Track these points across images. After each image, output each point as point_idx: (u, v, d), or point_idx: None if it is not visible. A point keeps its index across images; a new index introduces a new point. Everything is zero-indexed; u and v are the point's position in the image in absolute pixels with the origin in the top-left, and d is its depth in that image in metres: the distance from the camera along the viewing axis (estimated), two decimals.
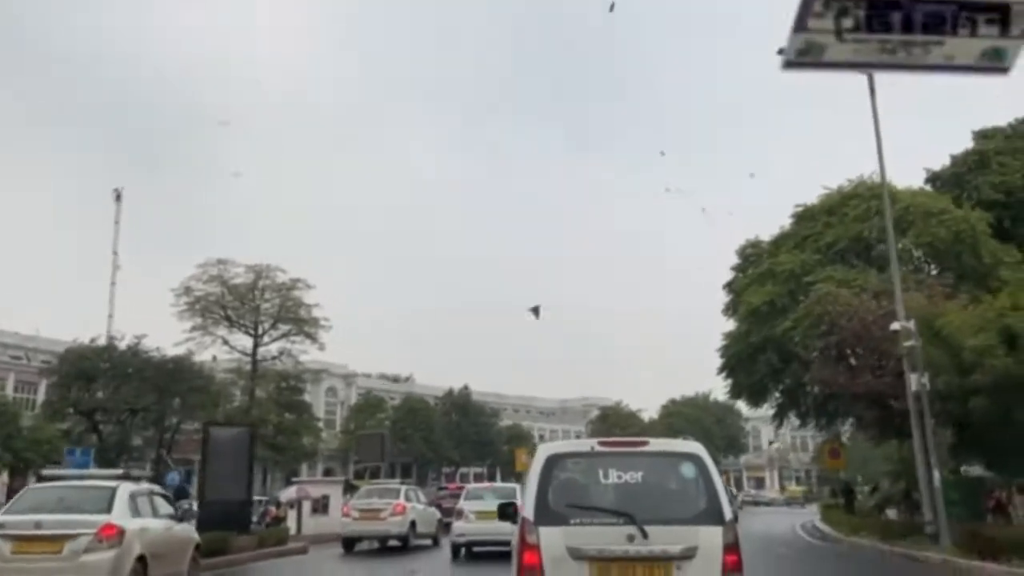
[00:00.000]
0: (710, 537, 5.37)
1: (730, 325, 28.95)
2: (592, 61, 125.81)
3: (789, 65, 1.74)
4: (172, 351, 45.02)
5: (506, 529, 15.58)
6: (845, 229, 24.16)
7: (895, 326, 15.83)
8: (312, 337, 49.14)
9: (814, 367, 21.18)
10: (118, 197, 63.10)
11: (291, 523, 21.42)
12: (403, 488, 19.12)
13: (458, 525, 16.58)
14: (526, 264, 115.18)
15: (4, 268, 74.48)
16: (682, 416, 62.73)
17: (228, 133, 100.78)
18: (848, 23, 1.63)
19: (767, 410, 30.65)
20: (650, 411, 66.50)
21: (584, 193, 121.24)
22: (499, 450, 63.64)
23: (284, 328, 49.15)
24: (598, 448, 5.95)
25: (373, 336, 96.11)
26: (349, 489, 22.01)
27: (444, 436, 59.97)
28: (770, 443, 70.88)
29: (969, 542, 13.45)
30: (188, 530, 11.31)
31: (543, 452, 6.03)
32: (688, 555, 5.31)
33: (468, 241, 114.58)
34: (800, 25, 1.65)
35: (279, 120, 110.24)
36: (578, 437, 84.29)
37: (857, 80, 18.00)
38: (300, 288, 48.51)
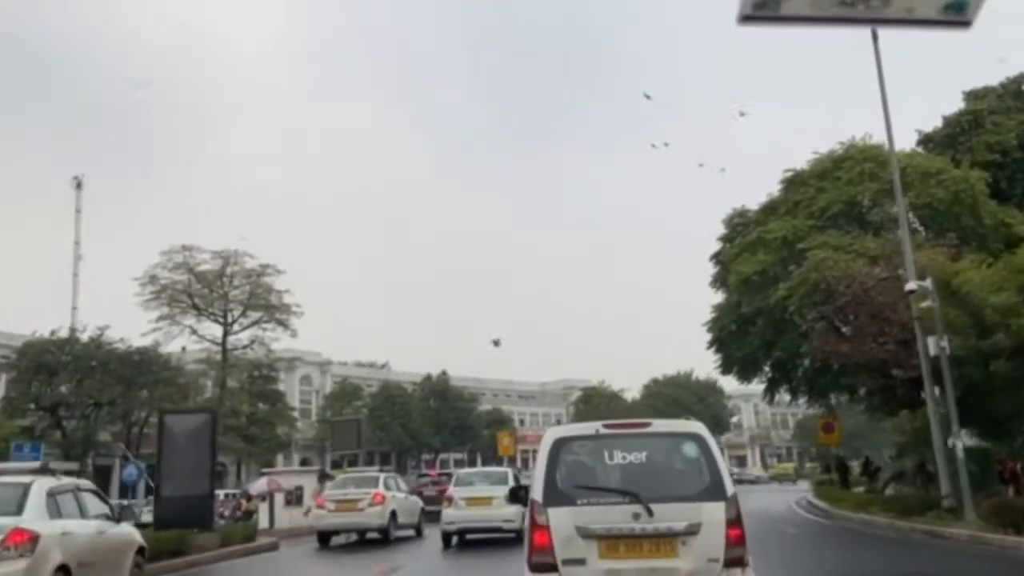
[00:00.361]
0: (713, 512, 5.51)
1: (718, 298, 28.05)
2: (554, 32, 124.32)
3: (746, 19, 1.65)
4: (139, 343, 43.47)
5: (499, 515, 15.29)
6: (838, 193, 23.13)
7: (910, 286, 14.76)
8: (284, 324, 47.62)
9: (812, 336, 20.20)
10: (78, 185, 60.40)
11: (263, 517, 20.07)
12: (382, 476, 17.68)
13: (448, 512, 15.82)
14: (500, 247, 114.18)
15: None
16: (664, 396, 61.97)
17: (199, 118, 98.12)
18: None
19: (757, 385, 29.72)
20: (632, 391, 65.63)
21: (558, 172, 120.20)
22: (479, 435, 62.52)
23: (255, 316, 47.54)
24: (603, 431, 6.05)
25: (347, 324, 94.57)
26: (324, 479, 20.67)
27: (423, 423, 58.72)
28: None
29: (995, 516, 12.48)
30: (127, 532, 10.01)
31: (550, 436, 6.18)
32: (692, 531, 5.47)
33: (441, 225, 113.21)
34: None
35: (247, 105, 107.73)
36: (558, 421, 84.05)
37: (835, 34, 16.78)
38: (270, 274, 46.91)
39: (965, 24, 1.72)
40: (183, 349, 48.86)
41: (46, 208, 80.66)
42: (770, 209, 25.62)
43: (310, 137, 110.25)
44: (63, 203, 58.85)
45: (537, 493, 5.73)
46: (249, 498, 21.22)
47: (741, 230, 26.93)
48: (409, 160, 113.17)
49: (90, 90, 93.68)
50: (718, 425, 69.70)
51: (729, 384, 75.01)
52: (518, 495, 8.83)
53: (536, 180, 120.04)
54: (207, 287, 45.59)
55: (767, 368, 26.70)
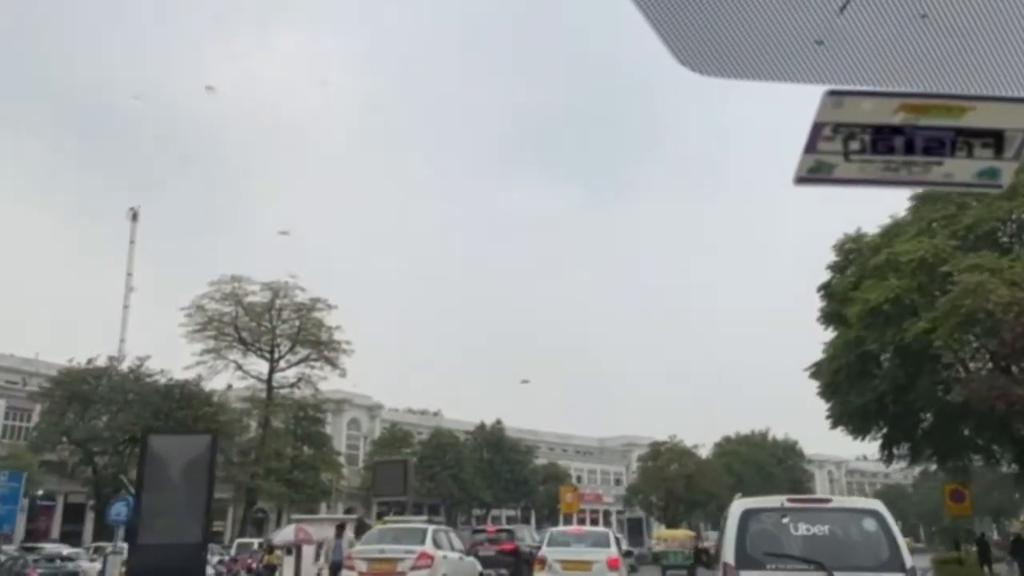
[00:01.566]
0: None
1: (826, 336, 24.09)
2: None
3: (800, 181, 1.85)
4: (182, 376, 41.21)
5: None
6: (988, 209, 19.21)
7: None
8: (332, 363, 44.89)
9: (970, 380, 16.23)
10: (134, 216, 59.53)
11: (287, 573, 16.72)
12: (430, 529, 13.41)
13: None
14: (557, 304, 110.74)
15: (7, 290, 71.28)
16: (739, 455, 56.89)
17: (255, 165, 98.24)
18: (855, 146, 1.78)
19: (870, 441, 25.36)
20: (704, 448, 60.60)
21: (626, 237, 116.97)
22: (535, 490, 58.27)
23: (303, 352, 44.99)
24: (787, 504, 6.93)
25: (400, 372, 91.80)
26: (363, 530, 17.24)
27: (475, 474, 54.84)
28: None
29: None
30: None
31: (739, 507, 6.93)
32: None
33: (500, 280, 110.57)
34: (811, 147, 1.79)
35: (304, 149, 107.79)
36: (617, 480, 79.95)
37: None
38: (320, 309, 44.45)
39: (997, 187, 1.88)
40: (229, 387, 46.45)
41: (109, 238, 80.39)
42: (894, 232, 21.78)
43: (368, 185, 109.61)
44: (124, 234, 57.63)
45: (729, 557, 6.45)
46: (271, 549, 17.70)
47: (855, 257, 23.13)
48: (468, 208, 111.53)
49: (159, 131, 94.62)
50: (796, 490, 64.04)
51: (810, 446, 69.73)
52: (700, 558, 12.16)
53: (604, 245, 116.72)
54: (255, 320, 43.30)
55: (881, 422, 22.49)
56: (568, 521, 54.31)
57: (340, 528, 15.94)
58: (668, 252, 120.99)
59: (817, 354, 23.82)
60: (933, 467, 34.62)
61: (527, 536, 21.63)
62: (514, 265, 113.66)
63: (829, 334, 23.59)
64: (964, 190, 2.67)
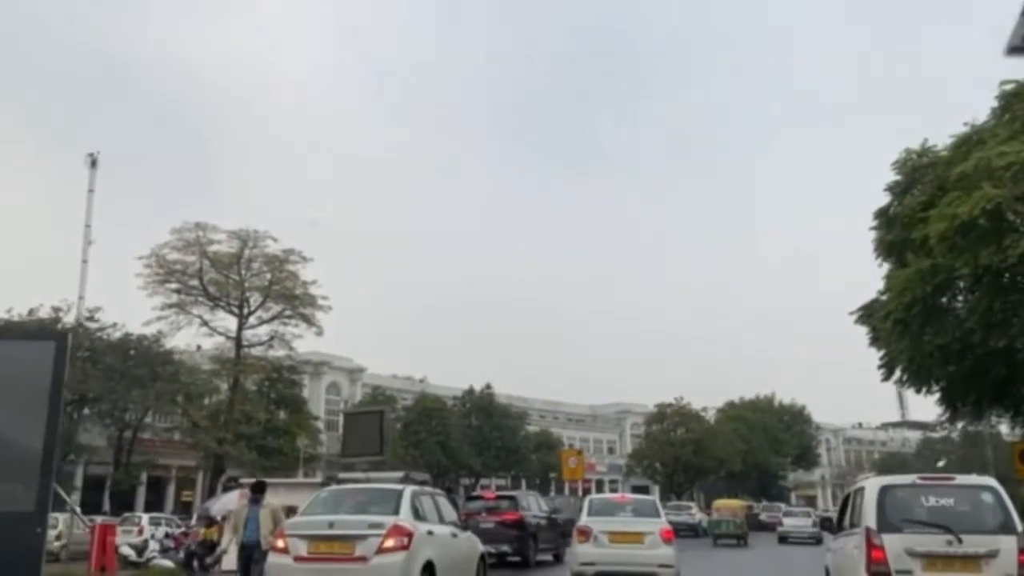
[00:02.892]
0: (1008, 543, 7.73)
1: (879, 272, 20.43)
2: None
3: (1013, 51, 1.78)
4: (142, 332, 37.16)
5: (654, 557, 12.41)
6: None
7: None
8: (308, 320, 40.68)
9: None
10: (93, 163, 54.90)
11: (231, 549, 12.92)
12: (407, 492, 9.26)
13: (585, 551, 12.39)
14: (546, 266, 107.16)
15: None
16: (747, 421, 53.54)
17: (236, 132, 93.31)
18: None
19: (926, 395, 21.77)
20: (710, 412, 57.05)
21: (613, 191, 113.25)
22: (526, 459, 54.82)
23: (275, 308, 40.78)
24: (918, 482, 8.65)
25: (385, 337, 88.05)
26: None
27: (463, 441, 51.25)
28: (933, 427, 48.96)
29: None
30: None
31: (876, 483, 8.70)
32: (992, 555, 7.69)
33: (492, 241, 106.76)
34: None
35: (296, 115, 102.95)
36: (610, 450, 76.85)
37: None
38: (295, 261, 40.19)
39: None
40: (198, 348, 42.53)
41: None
42: (975, 140, 17.96)
43: (357, 154, 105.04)
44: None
45: (871, 523, 8.07)
46: (211, 523, 13.67)
47: (923, 173, 19.37)
48: (463, 178, 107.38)
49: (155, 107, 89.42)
50: (803, 458, 60.94)
51: (817, 413, 66.40)
52: (824, 525, 13.66)
53: (588, 199, 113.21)
54: (222, 271, 39.12)
55: (951, 368, 18.74)
56: (560, 491, 51.41)
57: (257, 489, 10.47)
58: (661, 220, 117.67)
59: (840, 303, 20.14)
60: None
61: (533, 504, 17.93)
62: (504, 232, 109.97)
63: (879, 271, 19.98)
64: None
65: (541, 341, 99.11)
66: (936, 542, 7.76)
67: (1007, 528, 7.80)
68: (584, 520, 12.96)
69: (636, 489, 50.10)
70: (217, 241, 38.77)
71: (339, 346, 54.83)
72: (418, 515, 9.11)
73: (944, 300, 17.70)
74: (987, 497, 8.23)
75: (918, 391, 21.02)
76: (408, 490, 9.38)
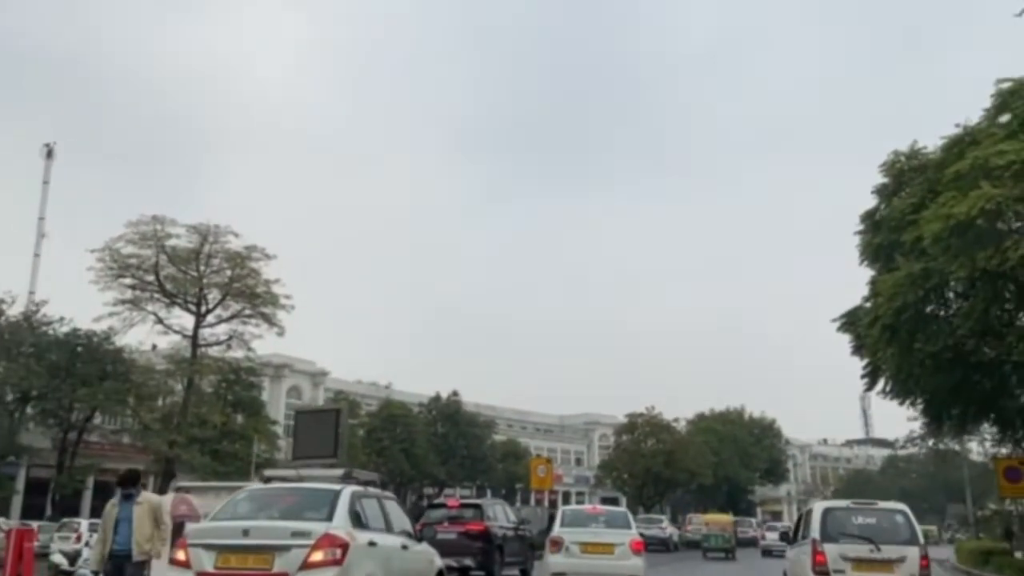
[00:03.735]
0: (913, 551, 10.49)
1: (864, 277, 19.73)
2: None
3: None
4: (93, 328, 35.34)
5: (623, 568, 13.34)
6: None
7: None
8: (269, 320, 39.07)
9: None
10: (49, 153, 53.10)
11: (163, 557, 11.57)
12: (345, 494, 7.64)
13: (556, 561, 13.02)
14: (518, 276, 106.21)
15: None
16: (717, 433, 52.72)
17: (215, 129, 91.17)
18: None
19: (908, 407, 21.02)
20: (680, 424, 56.15)
21: (583, 204, 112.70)
22: (492, 468, 53.47)
23: (235, 306, 39.19)
24: (851, 505, 11.57)
25: (351, 342, 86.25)
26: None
27: (428, 449, 49.79)
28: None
29: None
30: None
31: (820, 506, 11.69)
32: (902, 560, 10.42)
33: (464, 250, 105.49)
34: None
35: (266, 120, 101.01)
36: (578, 461, 75.64)
37: None
38: (257, 258, 38.62)
39: None
40: (154, 347, 40.77)
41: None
42: (967, 141, 17.24)
43: (328, 160, 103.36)
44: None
45: (816, 534, 10.77)
46: None
47: (912, 176, 18.69)
48: (434, 187, 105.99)
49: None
50: (773, 472, 60.27)
51: (784, 428, 65.76)
52: (787, 536, 16.58)
53: (559, 211, 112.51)
54: (180, 267, 37.48)
55: (942, 378, 17.93)
56: (526, 501, 50.11)
57: (127, 481, 8.55)
58: (631, 236, 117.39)
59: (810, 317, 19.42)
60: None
61: (500, 514, 16.66)
62: (476, 241, 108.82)
63: (855, 280, 19.20)
64: None
65: (511, 350, 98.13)
66: (862, 550, 10.58)
67: (913, 541, 10.70)
68: (557, 530, 13.47)
69: (605, 500, 48.96)
70: (175, 235, 37.20)
71: (303, 350, 53.35)
72: (359, 522, 7.49)
73: (935, 306, 16.93)
74: (899, 518, 11.09)
75: (902, 403, 20.28)
76: (347, 491, 7.67)
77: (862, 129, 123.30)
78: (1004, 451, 36.65)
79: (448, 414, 53.36)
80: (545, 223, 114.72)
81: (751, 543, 38.87)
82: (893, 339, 16.89)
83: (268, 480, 9.28)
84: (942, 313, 16.59)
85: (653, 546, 29.75)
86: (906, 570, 10.39)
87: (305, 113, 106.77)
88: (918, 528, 10.95)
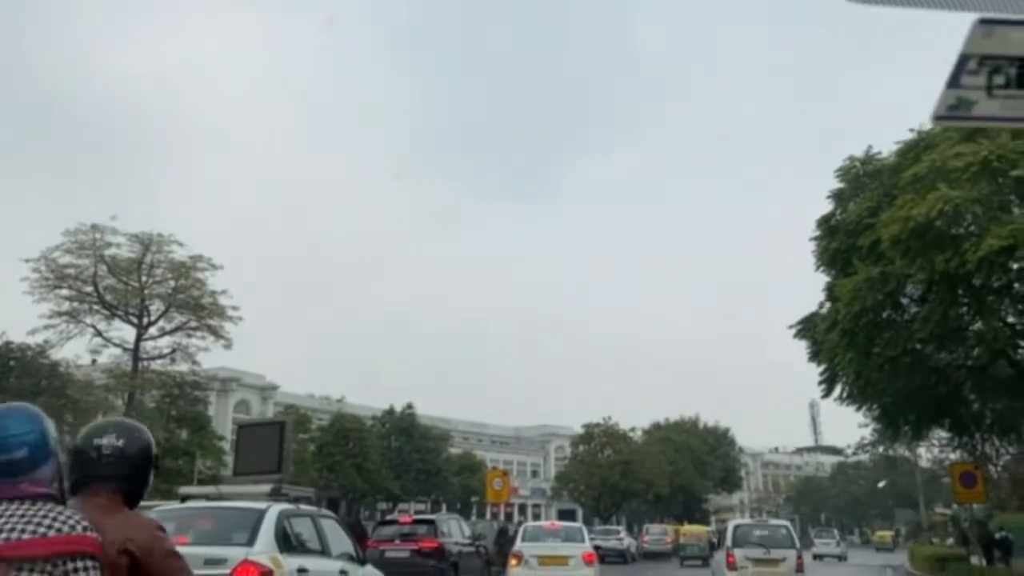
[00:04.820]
0: (792, 553, 15.48)
1: (819, 284, 19.64)
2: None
3: (939, 119, 1.82)
4: (27, 342, 33.72)
5: None
6: None
7: None
8: (215, 332, 37.85)
9: None
10: None
11: None
12: (271, 513, 6.73)
13: (516, 573, 14.21)
14: (472, 289, 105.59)
15: None
16: (673, 442, 52.68)
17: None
18: (999, 80, 1.72)
19: (865, 413, 21.01)
20: (636, 433, 55.88)
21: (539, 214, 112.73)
22: (448, 482, 52.56)
23: (179, 318, 37.90)
24: (753, 522, 19.98)
25: (301, 357, 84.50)
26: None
27: (382, 464, 48.70)
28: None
29: None
30: None
31: (733, 523, 18.19)
32: (784, 559, 15.26)
33: (418, 264, 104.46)
34: (954, 82, 1.73)
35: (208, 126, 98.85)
36: (534, 473, 75.05)
37: None
38: (203, 268, 37.43)
39: None
40: (93, 362, 39.13)
41: None
42: (923, 145, 17.24)
43: (278, 176, 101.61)
44: None
45: (729, 543, 15.88)
46: None
47: (868, 181, 18.66)
48: (385, 201, 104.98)
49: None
50: (727, 481, 60.48)
51: (741, 436, 66.26)
52: (713, 545, 28.10)
53: (514, 224, 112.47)
54: (120, 277, 36.08)
55: (901, 383, 17.82)
56: (482, 515, 49.30)
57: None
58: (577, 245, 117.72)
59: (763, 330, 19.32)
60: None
61: (455, 529, 16.02)
62: (429, 255, 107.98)
63: (812, 287, 19.17)
64: None
65: (466, 362, 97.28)
66: (759, 552, 15.49)
67: (792, 546, 15.83)
68: (518, 545, 14.91)
69: (563, 513, 48.49)
70: (115, 244, 35.87)
71: (252, 363, 51.96)
72: (288, 546, 6.57)
73: (891, 312, 16.83)
74: (783, 531, 16.53)
75: (859, 408, 20.20)
76: (273, 511, 6.71)
77: (812, 138, 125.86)
78: (953, 456, 37.25)
79: (402, 427, 52.35)
80: (497, 235, 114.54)
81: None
82: (851, 344, 16.72)
83: (184, 499, 8.32)
84: (900, 318, 16.45)
85: (611, 558, 29.27)
86: (787, 565, 15.43)
87: (252, 126, 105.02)
88: (796, 536, 16.65)
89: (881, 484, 60.11)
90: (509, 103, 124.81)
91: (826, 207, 19.68)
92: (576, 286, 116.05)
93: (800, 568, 15.26)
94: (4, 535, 1.88)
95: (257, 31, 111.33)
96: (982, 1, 1.63)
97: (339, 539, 7.93)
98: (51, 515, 1.96)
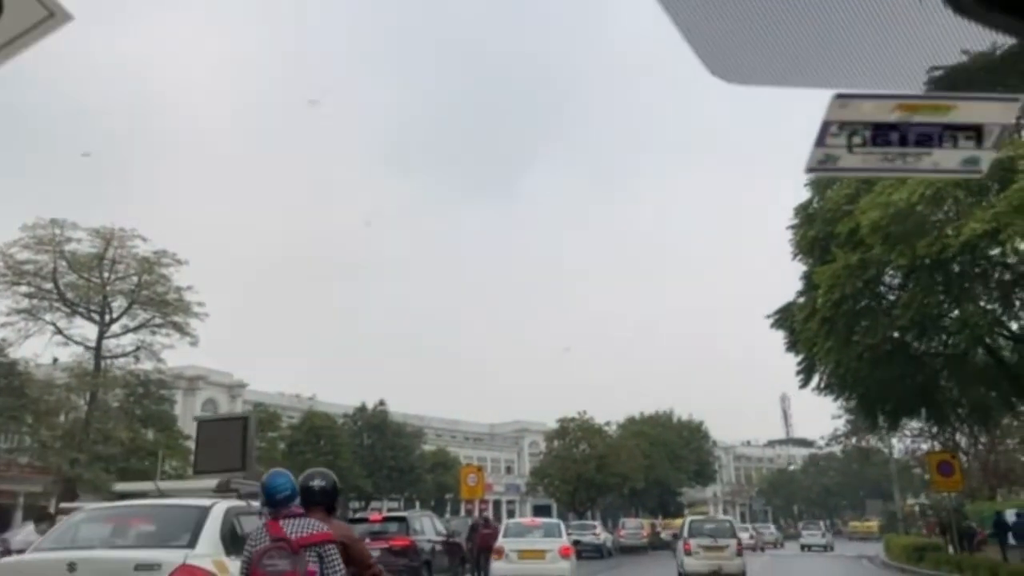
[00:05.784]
0: (732, 542, 20.09)
1: (795, 272, 19.41)
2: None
3: (811, 170, 2.06)
4: None
5: (553, 570, 15.80)
6: None
7: None
8: (181, 329, 36.98)
9: None
10: None
11: None
12: (217, 511, 6.37)
13: (498, 567, 15.26)
14: (445, 284, 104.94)
15: None
16: (648, 436, 52.56)
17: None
18: (857, 140, 1.98)
19: (843, 404, 20.84)
20: (612, 427, 55.57)
21: (511, 213, 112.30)
22: (421, 479, 51.96)
23: (143, 315, 36.96)
24: (704, 519, 23.98)
25: (272, 355, 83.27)
26: (45, 521, 10.04)
27: (354, 462, 47.97)
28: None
29: None
30: None
31: (689, 518, 23.85)
32: (727, 546, 19.86)
33: (390, 259, 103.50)
34: (820, 142, 1.99)
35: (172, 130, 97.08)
36: (508, 469, 74.62)
37: None
38: (167, 264, 36.52)
39: (978, 173, 2.09)
40: (55, 361, 37.96)
41: None
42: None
43: (248, 171, 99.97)
44: None
45: (686, 533, 20.78)
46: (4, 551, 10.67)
47: None
48: (357, 196, 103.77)
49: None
50: (702, 474, 60.57)
51: (713, 430, 66.42)
52: (676, 536, 25.85)
53: (486, 221, 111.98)
54: (82, 273, 35.03)
55: (882, 371, 17.59)
56: (456, 512, 48.77)
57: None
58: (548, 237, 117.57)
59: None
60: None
61: (427, 527, 15.57)
62: (401, 249, 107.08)
63: (795, 274, 18.92)
64: (950, 176, 2.73)
65: (439, 359, 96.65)
66: (708, 541, 19.69)
67: (734, 536, 20.57)
68: (500, 541, 15.85)
69: (538, 509, 48.09)
70: (76, 240, 34.88)
71: (221, 361, 50.92)
72: (237, 547, 5.68)
73: (870, 300, 16.62)
74: (727, 524, 21.87)
75: (836, 398, 20.03)
76: (219, 508, 6.21)
77: (787, 135, 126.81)
78: (925, 447, 37.42)
79: (374, 424, 51.64)
80: (468, 230, 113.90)
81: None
82: (831, 332, 16.49)
83: (121, 496, 7.62)
84: (879, 305, 16.24)
85: (588, 552, 28.95)
86: (729, 550, 19.65)
87: (220, 126, 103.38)
88: (737, 529, 22.09)
89: (856, 466, 60.62)
90: (476, 102, 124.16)
91: (803, 195, 19.42)
92: (548, 282, 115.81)
93: (740, 552, 19.89)
94: (295, 533, 3.69)
95: (222, 30, 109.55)
96: (837, 81, 1.94)
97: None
98: (309, 523, 3.83)
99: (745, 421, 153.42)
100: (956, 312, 14.94)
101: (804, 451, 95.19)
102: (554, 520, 19.83)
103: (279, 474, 4.04)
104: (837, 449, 62.91)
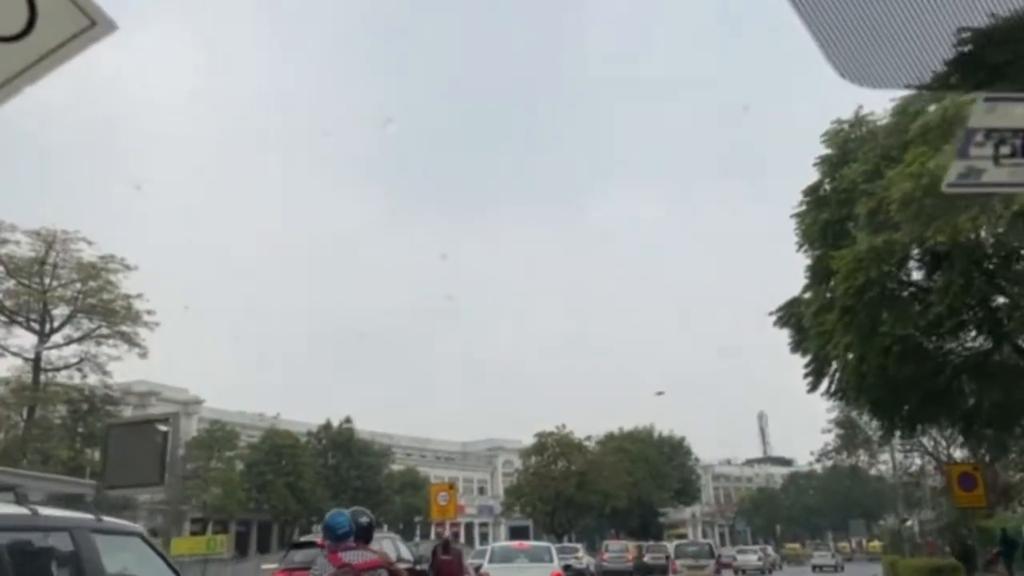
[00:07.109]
0: (711, 562, 27.43)
1: (800, 265, 17.52)
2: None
3: (951, 187, 1.94)
4: None
5: None
6: None
7: None
8: (129, 339, 34.30)
9: None
10: None
11: None
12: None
13: None
14: (417, 301, 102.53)
15: None
16: (629, 452, 50.27)
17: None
18: (1005, 150, 1.84)
19: (857, 410, 18.82)
20: (592, 443, 53.25)
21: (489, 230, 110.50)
22: (389, 500, 49.25)
23: (88, 325, 34.25)
24: (688, 543, 34.34)
25: (234, 372, 79.98)
26: None
27: (317, 482, 45.20)
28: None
29: None
30: None
31: (674, 544, 35.03)
32: (706, 565, 26.97)
33: (353, 274, 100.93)
34: (963, 153, 1.87)
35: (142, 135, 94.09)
36: (481, 490, 72.06)
37: None
38: (115, 270, 33.87)
39: None
40: None
41: None
42: (925, 99, 15.23)
43: (216, 185, 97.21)
44: None
45: (672, 555, 29.65)
46: None
47: (859, 144, 16.62)
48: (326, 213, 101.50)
49: None
50: (685, 492, 58.38)
51: (697, 447, 64.72)
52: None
53: (457, 237, 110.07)
54: (20, 278, 32.32)
55: (911, 368, 15.53)
56: (426, 535, 46.19)
57: None
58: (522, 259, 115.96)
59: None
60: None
61: (390, 551, 13.23)
62: (373, 268, 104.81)
63: (797, 270, 17.04)
64: None
65: (409, 377, 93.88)
66: (691, 562, 26.84)
67: (711, 556, 27.84)
68: (486, 566, 14.66)
69: (515, 530, 45.49)
70: (13, 242, 32.11)
71: (176, 377, 48.13)
72: None
73: (895, 286, 14.70)
74: (707, 547, 30.36)
75: (849, 403, 18.03)
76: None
77: (768, 145, 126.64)
78: (919, 462, 35.67)
79: (340, 443, 48.94)
80: (436, 248, 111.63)
81: (663, 572, 36.24)
82: (852, 324, 14.47)
83: None
84: (906, 294, 14.30)
85: None
86: (709, 569, 25.95)
87: (191, 133, 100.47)
88: (714, 550, 29.52)
89: (847, 482, 59.25)
90: (460, 109, 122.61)
91: (813, 176, 17.53)
92: (521, 301, 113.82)
93: (717, 571, 26.92)
94: (356, 560, 5.40)
95: (199, 41, 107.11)
96: (975, 86, 1.76)
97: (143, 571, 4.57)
98: (362, 552, 5.54)
99: (722, 440, 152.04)
100: (1000, 299, 13.02)
101: (783, 470, 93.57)
102: (543, 543, 18.22)
103: (339, 514, 5.63)
104: (819, 467, 61.30)
